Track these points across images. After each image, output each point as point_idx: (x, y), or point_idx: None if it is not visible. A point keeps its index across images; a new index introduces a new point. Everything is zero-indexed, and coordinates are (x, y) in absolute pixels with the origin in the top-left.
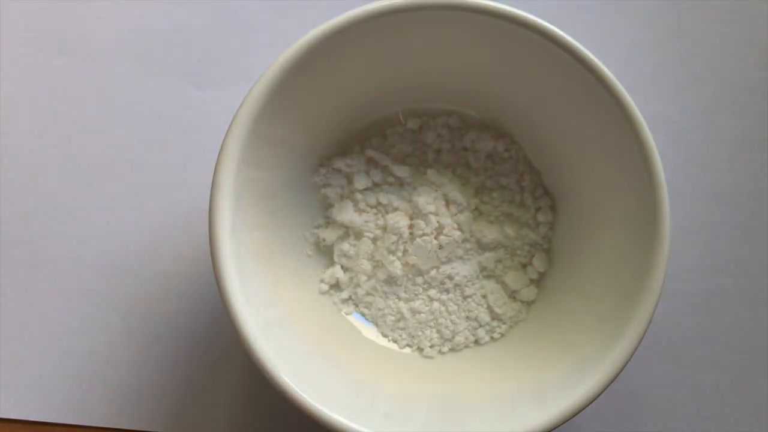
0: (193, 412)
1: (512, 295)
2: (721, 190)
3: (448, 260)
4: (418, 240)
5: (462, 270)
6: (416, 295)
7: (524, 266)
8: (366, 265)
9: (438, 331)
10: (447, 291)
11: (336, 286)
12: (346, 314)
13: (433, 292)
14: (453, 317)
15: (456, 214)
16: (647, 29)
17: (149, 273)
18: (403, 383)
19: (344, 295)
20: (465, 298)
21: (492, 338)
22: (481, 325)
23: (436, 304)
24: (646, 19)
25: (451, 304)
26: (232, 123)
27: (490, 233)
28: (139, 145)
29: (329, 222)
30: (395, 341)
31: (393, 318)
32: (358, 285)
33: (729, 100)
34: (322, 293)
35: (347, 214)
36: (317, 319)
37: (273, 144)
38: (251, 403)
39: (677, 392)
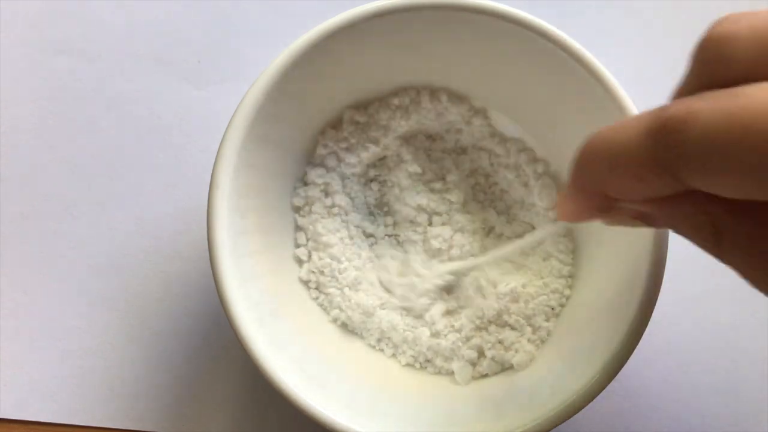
0: (192, 412)
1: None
2: None
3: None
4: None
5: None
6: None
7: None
8: (339, 297)
9: (423, 354)
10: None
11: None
12: (338, 326)
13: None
14: (439, 357)
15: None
16: (647, 29)
17: (149, 273)
18: (401, 383)
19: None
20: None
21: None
22: (469, 360)
23: (419, 330)
24: (646, 19)
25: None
26: (230, 123)
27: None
28: (139, 145)
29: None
30: (381, 351)
31: (376, 335)
32: (339, 304)
33: None
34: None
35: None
36: (315, 319)
37: (271, 144)
38: (250, 402)
39: (677, 392)
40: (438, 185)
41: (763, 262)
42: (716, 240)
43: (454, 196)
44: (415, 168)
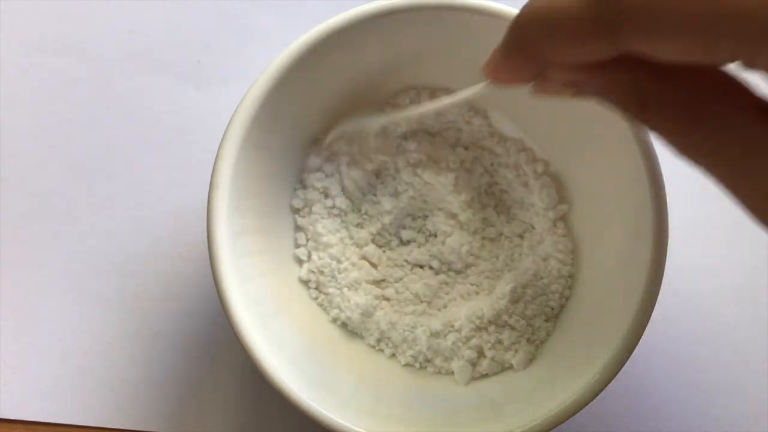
0: (192, 412)
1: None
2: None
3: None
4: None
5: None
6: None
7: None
8: (338, 297)
9: (422, 353)
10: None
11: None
12: (338, 325)
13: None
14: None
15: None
16: None
17: (148, 273)
18: (401, 383)
19: (327, 300)
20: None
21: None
22: (469, 361)
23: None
24: None
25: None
26: (230, 123)
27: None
28: (139, 145)
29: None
30: (381, 351)
31: (376, 335)
32: (339, 304)
33: None
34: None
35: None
36: (315, 319)
37: (271, 144)
38: (250, 402)
39: (677, 392)
40: (435, 168)
41: (687, 128)
42: (641, 108)
43: (449, 178)
44: (416, 156)
